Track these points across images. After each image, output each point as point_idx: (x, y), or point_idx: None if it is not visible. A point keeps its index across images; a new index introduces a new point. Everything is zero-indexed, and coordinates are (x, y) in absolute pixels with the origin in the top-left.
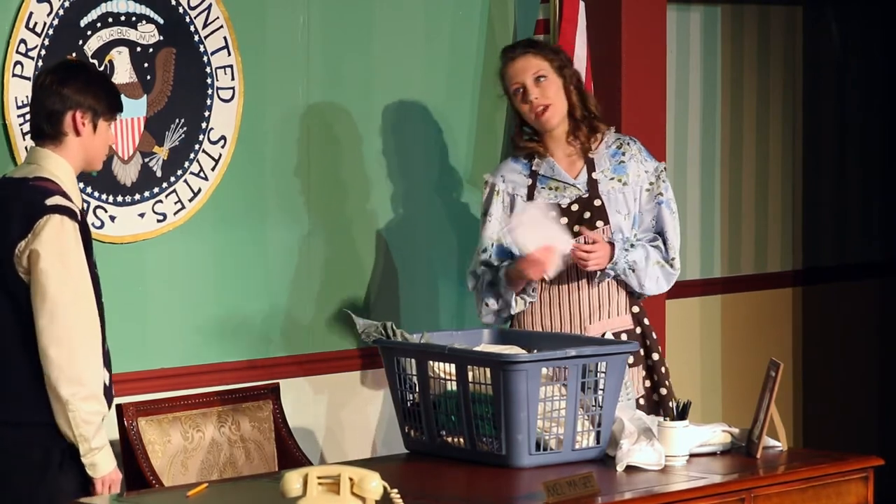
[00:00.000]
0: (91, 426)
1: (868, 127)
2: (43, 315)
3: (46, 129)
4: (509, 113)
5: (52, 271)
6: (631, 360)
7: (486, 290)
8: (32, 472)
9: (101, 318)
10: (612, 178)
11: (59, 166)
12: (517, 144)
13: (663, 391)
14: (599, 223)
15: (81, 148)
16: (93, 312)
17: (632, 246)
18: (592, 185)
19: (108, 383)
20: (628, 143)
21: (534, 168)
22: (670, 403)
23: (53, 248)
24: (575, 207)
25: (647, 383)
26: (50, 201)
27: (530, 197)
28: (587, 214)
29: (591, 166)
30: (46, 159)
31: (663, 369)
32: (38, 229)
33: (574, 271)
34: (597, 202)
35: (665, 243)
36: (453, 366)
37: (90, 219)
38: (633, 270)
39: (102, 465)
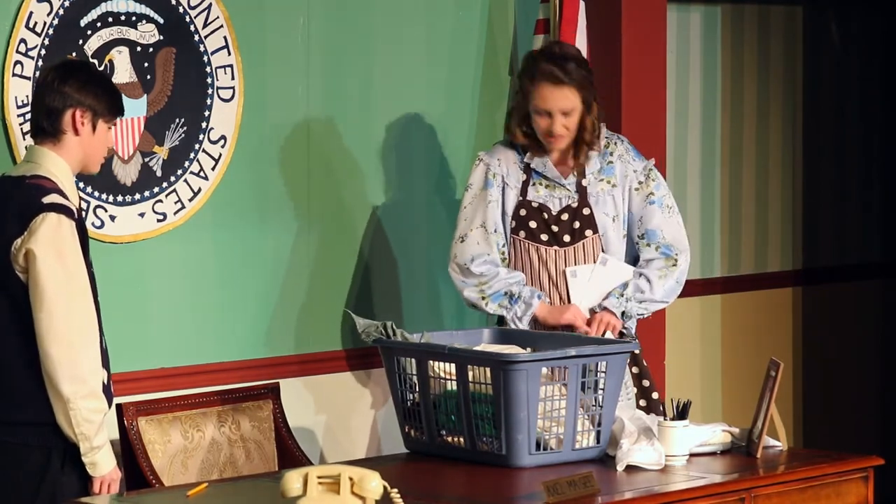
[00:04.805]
0: (92, 425)
1: (868, 127)
2: (42, 314)
3: (46, 126)
4: (509, 113)
5: (50, 270)
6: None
7: (496, 295)
8: (33, 472)
9: (98, 317)
10: (600, 180)
11: (57, 165)
12: (516, 136)
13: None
14: (588, 232)
15: (80, 148)
16: (91, 310)
17: (625, 286)
18: (582, 192)
19: (106, 382)
20: (615, 143)
21: (526, 160)
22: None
23: (50, 247)
24: (565, 217)
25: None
26: (46, 199)
27: (524, 192)
28: (576, 224)
29: (581, 169)
30: (44, 157)
31: (654, 395)
32: (34, 227)
33: (566, 288)
34: (585, 210)
35: (653, 241)
36: (453, 365)
37: (90, 218)
38: (642, 302)
39: (103, 464)
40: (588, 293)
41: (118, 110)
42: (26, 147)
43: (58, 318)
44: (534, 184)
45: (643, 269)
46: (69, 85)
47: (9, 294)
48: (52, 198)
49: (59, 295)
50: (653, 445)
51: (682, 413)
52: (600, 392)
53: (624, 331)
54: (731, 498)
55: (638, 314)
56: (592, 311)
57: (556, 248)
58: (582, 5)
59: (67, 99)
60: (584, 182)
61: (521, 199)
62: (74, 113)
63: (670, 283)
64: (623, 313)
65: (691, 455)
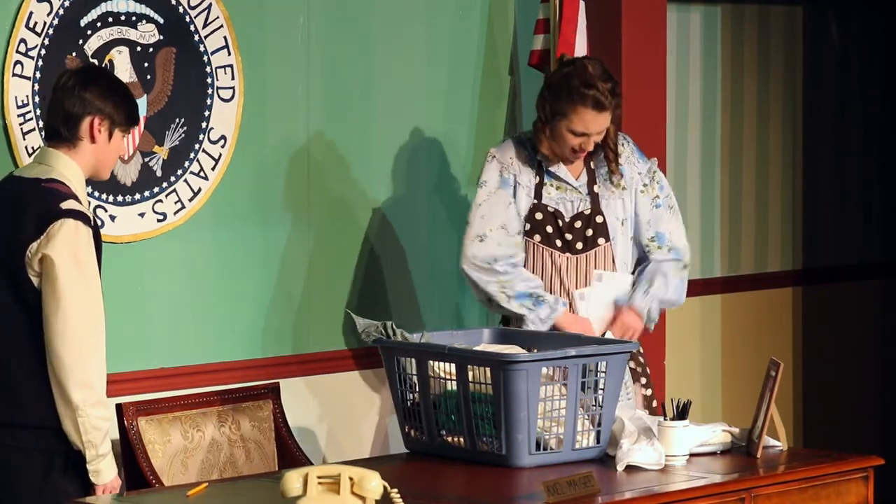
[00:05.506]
0: (100, 433)
1: (868, 127)
2: (57, 319)
3: (63, 131)
4: (509, 112)
5: (68, 276)
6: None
7: (520, 294)
8: (36, 476)
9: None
10: (611, 183)
11: (71, 169)
12: (548, 154)
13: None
14: (601, 240)
15: (94, 155)
16: (102, 318)
17: (650, 283)
18: (594, 199)
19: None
20: (622, 144)
21: (538, 159)
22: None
23: (68, 253)
24: (578, 224)
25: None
26: (65, 205)
27: (538, 194)
28: (589, 232)
29: (591, 173)
30: (58, 161)
31: (654, 403)
32: (52, 233)
33: (572, 286)
34: (598, 218)
35: (664, 244)
36: (453, 365)
37: None
38: (662, 301)
39: (106, 472)
40: (594, 310)
41: (135, 120)
42: (26, 147)
43: (73, 324)
44: (545, 185)
45: (660, 266)
46: (90, 91)
47: (20, 297)
48: (70, 204)
49: (74, 300)
50: (653, 445)
51: (682, 413)
52: (600, 392)
53: None
54: (731, 498)
55: (655, 315)
56: (617, 307)
57: (568, 255)
58: (582, 5)
59: (87, 106)
60: (595, 188)
61: (535, 202)
62: (93, 120)
63: (677, 283)
64: (647, 315)
65: (691, 455)
